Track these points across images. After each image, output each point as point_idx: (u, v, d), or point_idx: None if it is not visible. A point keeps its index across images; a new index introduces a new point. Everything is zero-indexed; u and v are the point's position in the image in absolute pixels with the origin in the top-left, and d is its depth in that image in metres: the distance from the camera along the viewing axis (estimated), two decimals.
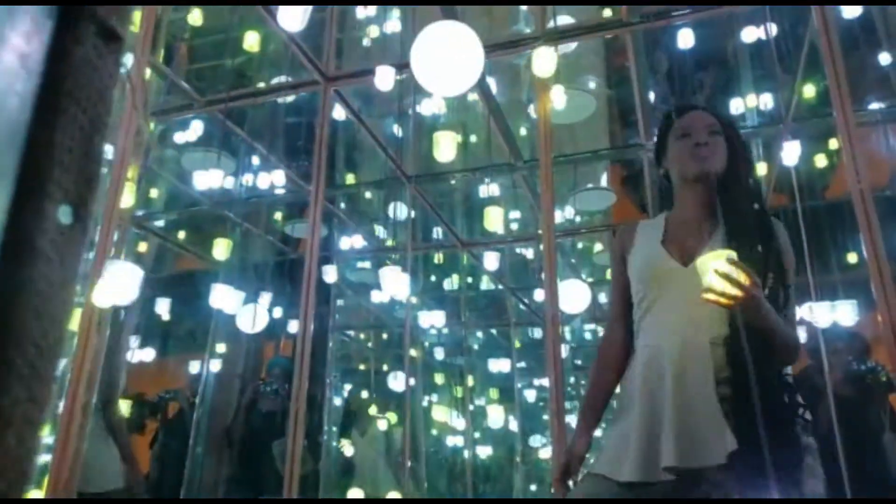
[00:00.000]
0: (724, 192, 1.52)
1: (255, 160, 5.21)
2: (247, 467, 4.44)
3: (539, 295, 6.15)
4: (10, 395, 0.36)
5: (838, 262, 4.14)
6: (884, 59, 4.15)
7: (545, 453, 7.02)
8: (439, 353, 7.10)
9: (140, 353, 5.39)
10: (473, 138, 5.02)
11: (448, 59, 1.34)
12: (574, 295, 3.16)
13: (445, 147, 3.28)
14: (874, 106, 4.13)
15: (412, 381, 5.50)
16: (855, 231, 2.64)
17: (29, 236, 0.39)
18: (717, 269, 1.27)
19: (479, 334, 8.38)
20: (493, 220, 4.24)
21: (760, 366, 1.33)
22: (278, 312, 5.85)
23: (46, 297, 0.39)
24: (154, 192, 5.27)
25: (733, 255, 1.30)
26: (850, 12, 3.52)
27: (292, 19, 2.18)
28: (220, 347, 5.45)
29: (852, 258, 4.43)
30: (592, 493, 1.44)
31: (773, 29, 3.89)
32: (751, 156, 1.66)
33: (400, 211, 4.93)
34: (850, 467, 3.29)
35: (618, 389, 1.63)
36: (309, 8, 2.25)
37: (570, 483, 1.57)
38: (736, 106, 4.64)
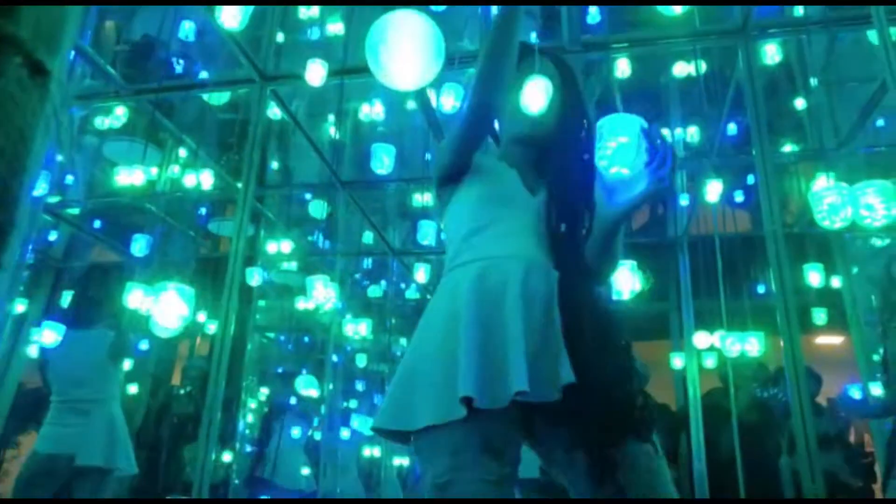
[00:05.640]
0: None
1: (183, 153, 5.02)
2: (154, 473, 4.25)
3: None
4: None
5: (749, 291, 4.36)
6: (800, 104, 4.41)
7: None
8: (362, 360, 7.02)
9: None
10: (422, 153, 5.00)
11: (409, 51, 1.26)
12: None
13: (383, 158, 3.25)
14: (787, 148, 4.40)
15: (330, 387, 5.42)
16: (765, 263, 2.79)
17: None
18: None
19: (404, 342, 8.34)
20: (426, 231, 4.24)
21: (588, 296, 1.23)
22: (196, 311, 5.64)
23: None
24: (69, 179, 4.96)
25: None
26: (773, 59, 3.72)
27: (232, 18, 2.10)
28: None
29: (761, 289, 4.68)
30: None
31: (703, 66, 4.06)
32: (582, 95, 1.50)
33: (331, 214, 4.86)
34: (749, 487, 3.48)
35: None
36: (250, 7, 2.18)
37: None
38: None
